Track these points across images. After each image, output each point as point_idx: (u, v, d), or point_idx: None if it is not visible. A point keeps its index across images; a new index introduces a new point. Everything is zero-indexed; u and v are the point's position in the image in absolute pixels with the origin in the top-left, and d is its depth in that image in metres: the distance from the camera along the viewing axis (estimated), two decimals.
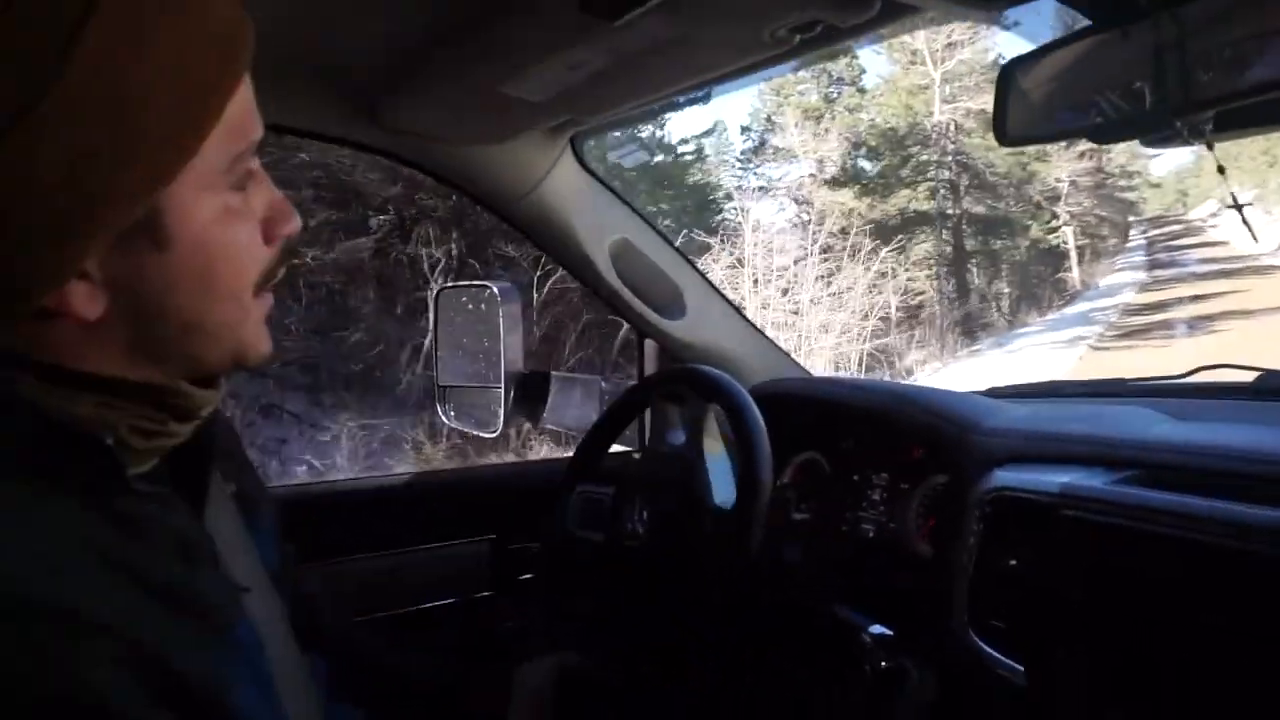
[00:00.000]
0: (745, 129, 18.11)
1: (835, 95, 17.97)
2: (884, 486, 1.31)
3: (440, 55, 0.97)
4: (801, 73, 17.17)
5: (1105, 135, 0.81)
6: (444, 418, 1.71)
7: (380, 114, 1.12)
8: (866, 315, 11.97)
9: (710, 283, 1.51)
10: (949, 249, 17.76)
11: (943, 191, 17.80)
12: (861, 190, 17.11)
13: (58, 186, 0.46)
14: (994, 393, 1.39)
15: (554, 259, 1.46)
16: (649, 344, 1.56)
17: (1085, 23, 0.82)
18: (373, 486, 1.55)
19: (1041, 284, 20.19)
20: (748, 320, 1.57)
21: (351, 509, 1.45)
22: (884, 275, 12.96)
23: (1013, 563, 0.95)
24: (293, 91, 1.10)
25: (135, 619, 0.49)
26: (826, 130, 16.86)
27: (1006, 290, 18.88)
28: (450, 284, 1.55)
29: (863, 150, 17.81)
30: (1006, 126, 0.88)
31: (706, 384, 1.15)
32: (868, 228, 15.16)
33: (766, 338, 1.58)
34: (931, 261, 16.56)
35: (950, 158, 17.80)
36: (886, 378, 10.28)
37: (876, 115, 17.88)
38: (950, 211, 17.93)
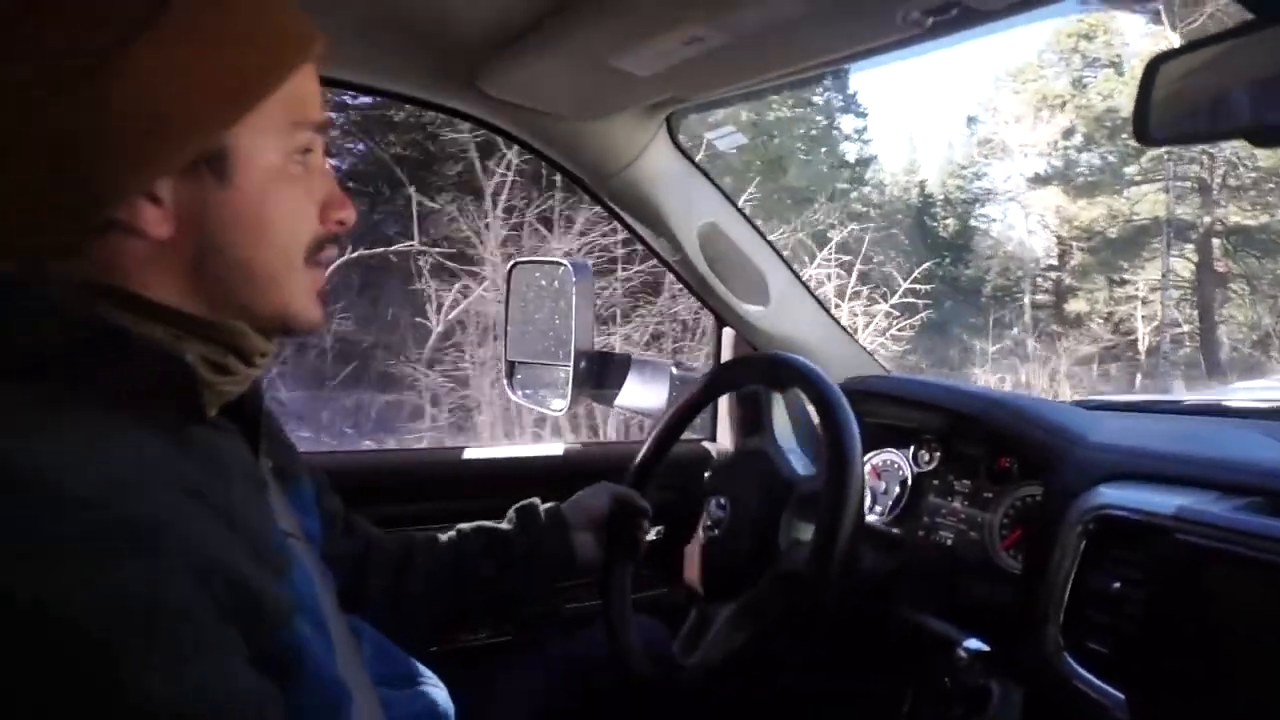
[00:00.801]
0: (972, 119, 15.51)
1: (1090, 79, 15.02)
2: (966, 494, 1.27)
3: (551, 23, 0.95)
4: (1047, 54, 14.80)
5: (1265, 137, 0.76)
6: (510, 393, 1.71)
7: (483, 82, 1.10)
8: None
9: (795, 273, 1.47)
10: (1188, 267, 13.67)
11: (1184, 194, 13.69)
12: (1073, 192, 14.09)
13: (142, 111, 0.55)
14: (1084, 405, 1.34)
15: (639, 239, 1.43)
16: (727, 332, 1.54)
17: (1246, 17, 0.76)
18: (434, 461, 1.54)
19: None
20: (831, 314, 1.53)
21: (412, 482, 1.45)
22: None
23: (1116, 585, 0.91)
24: (396, 54, 1.09)
25: (213, 541, 0.53)
26: (1052, 120, 14.05)
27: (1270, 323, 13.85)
28: (524, 258, 1.53)
29: (1075, 140, 14.70)
30: (1149, 126, 0.83)
31: (795, 372, 1.11)
32: (1084, 240, 12.58)
33: (849, 333, 1.54)
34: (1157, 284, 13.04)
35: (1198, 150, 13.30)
36: None
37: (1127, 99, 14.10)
38: (1195, 219, 13.71)
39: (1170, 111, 0.83)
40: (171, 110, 0.55)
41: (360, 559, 0.99)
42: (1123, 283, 14.01)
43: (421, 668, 0.90)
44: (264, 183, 0.61)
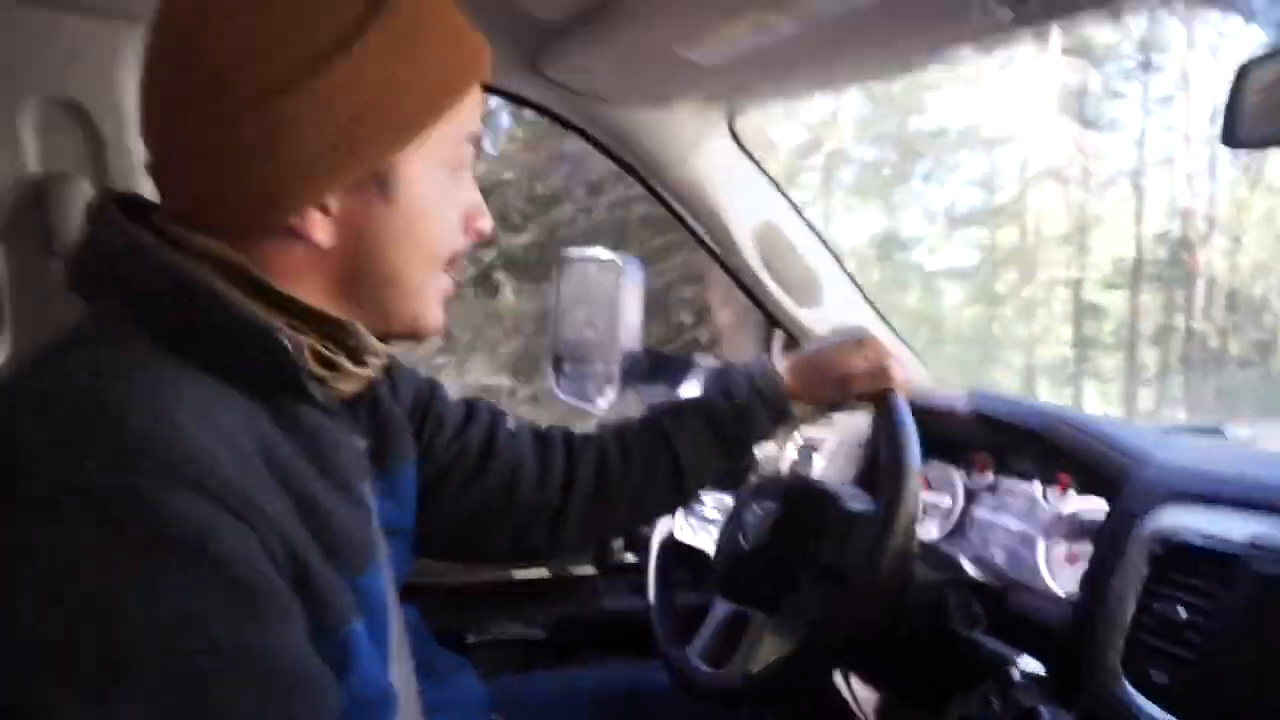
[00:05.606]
0: None
1: None
2: (1020, 511, 1.22)
3: (620, 7, 0.94)
4: None
5: None
6: (554, 387, 1.70)
7: (544, 66, 1.09)
8: None
9: (850, 276, 1.45)
10: None
11: None
12: None
13: (328, 131, 0.57)
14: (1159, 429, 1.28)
15: (693, 233, 1.42)
16: (778, 333, 1.51)
17: None
18: None
19: None
20: (886, 320, 1.49)
21: None
22: None
23: (1183, 613, 0.86)
24: None
25: (286, 521, 0.54)
26: None
27: None
28: (575, 253, 1.52)
29: None
30: (1237, 128, 0.80)
31: None
32: None
33: (905, 342, 1.51)
34: None
35: None
36: None
37: None
38: None
39: (1260, 115, 0.79)
40: (349, 133, 0.57)
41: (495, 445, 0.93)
42: None
43: (457, 658, 0.90)
44: (422, 200, 0.63)
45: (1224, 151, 8.00)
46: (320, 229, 0.60)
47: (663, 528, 1.24)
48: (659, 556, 1.22)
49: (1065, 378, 8.06)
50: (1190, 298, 7.94)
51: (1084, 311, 8.32)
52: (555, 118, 1.24)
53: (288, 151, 0.56)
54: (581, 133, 1.26)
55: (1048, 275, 8.54)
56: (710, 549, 1.14)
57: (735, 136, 1.29)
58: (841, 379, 0.98)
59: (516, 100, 1.21)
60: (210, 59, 0.55)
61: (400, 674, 0.68)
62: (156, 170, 0.60)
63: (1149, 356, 8.14)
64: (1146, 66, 7.85)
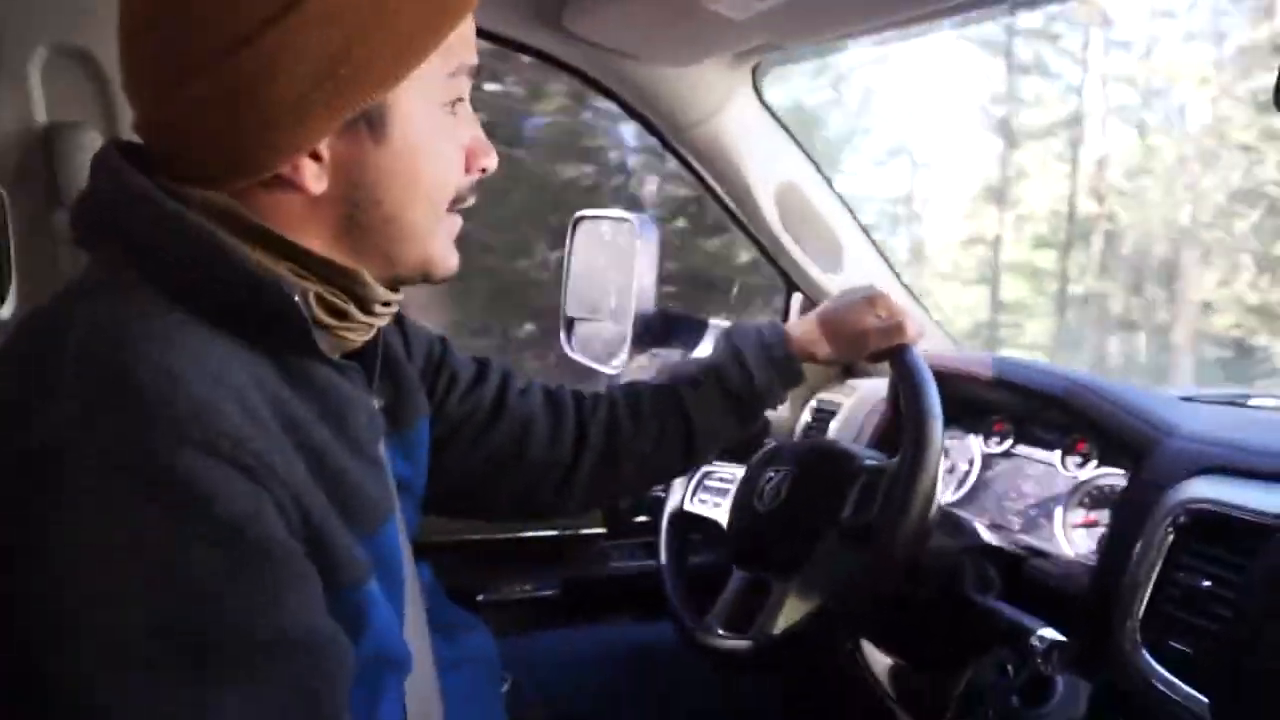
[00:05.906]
0: None
1: None
2: (1037, 477, 1.22)
3: None
4: None
5: None
6: (566, 347, 1.69)
7: (569, 21, 1.06)
8: None
9: (873, 241, 1.43)
10: None
11: None
12: None
13: (311, 72, 0.54)
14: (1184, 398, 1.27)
15: (712, 194, 1.40)
16: (796, 296, 1.50)
17: None
18: None
19: None
20: (906, 287, 1.48)
21: None
22: None
23: (1205, 583, 0.86)
24: None
25: (299, 479, 0.54)
26: None
27: None
28: (590, 212, 1.50)
29: None
30: None
31: None
32: None
33: (924, 308, 1.49)
34: None
35: None
36: None
37: None
38: None
39: None
40: (331, 73, 0.54)
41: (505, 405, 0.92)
42: None
43: (470, 616, 0.90)
44: (418, 138, 0.60)
45: (1152, 98, 7.68)
46: (312, 176, 0.58)
47: (673, 499, 1.24)
48: (669, 529, 1.22)
49: (983, 343, 7.70)
50: (1090, 257, 7.63)
51: (1004, 271, 7.91)
52: (578, 74, 1.21)
53: (268, 97, 0.53)
54: (604, 90, 1.24)
55: (966, 232, 8.13)
56: (722, 519, 1.14)
57: (760, 95, 1.26)
58: (856, 336, 0.97)
59: (539, 56, 1.18)
60: (177, 10, 0.53)
61: (415, 633, 0.68)
62: (143, 125, 0.59)
63: (1061, 320, 7.76)
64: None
